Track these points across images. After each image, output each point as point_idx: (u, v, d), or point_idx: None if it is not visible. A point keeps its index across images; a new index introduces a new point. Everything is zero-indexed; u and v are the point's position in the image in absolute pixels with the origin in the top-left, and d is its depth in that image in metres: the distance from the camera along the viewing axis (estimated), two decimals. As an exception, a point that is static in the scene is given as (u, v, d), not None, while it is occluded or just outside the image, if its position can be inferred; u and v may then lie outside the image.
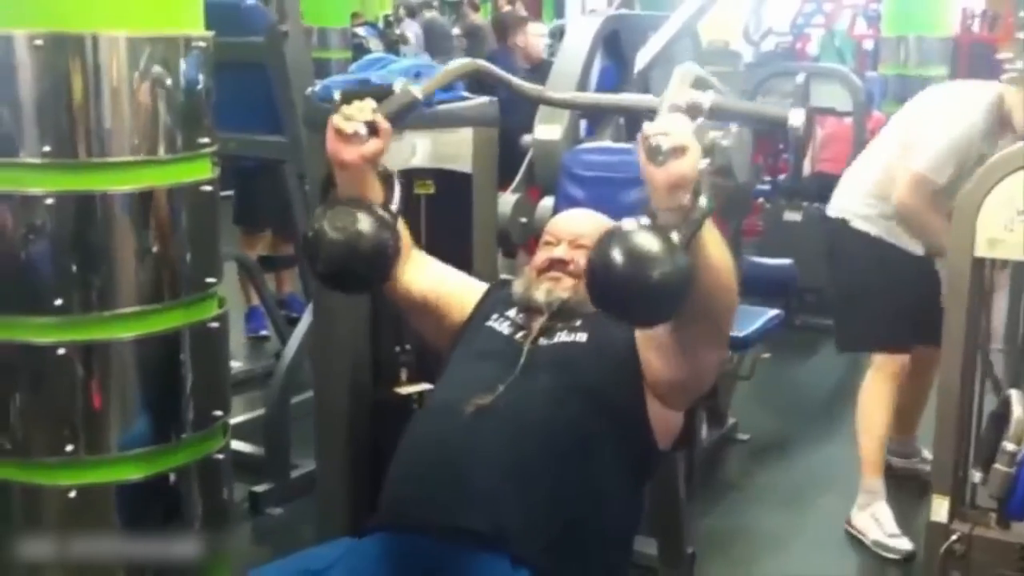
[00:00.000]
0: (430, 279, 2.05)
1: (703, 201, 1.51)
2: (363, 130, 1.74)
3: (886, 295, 3.11)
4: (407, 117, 1.88)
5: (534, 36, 6.01)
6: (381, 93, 1.87)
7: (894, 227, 3.11)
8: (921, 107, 3.18)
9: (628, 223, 1.54)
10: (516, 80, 2.21)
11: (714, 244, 1.63)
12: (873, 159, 3.25)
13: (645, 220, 1.53)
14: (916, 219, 3.02)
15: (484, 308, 2.06)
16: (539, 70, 5.47)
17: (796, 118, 1.61)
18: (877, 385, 3.18)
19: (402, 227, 1.92)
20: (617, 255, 1.49)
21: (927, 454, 3.35)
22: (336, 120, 1.75)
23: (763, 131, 5.92)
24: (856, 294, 3.25)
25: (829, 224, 3.30)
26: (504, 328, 1.99)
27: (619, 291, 1.53)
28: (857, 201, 3.19)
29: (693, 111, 1.63)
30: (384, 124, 1.77)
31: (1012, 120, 2.93)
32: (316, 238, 1.76)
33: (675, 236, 1.50)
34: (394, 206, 1.85)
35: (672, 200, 1.52)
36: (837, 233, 3.25)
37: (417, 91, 1.86)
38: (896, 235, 3.12)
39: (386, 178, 1.87)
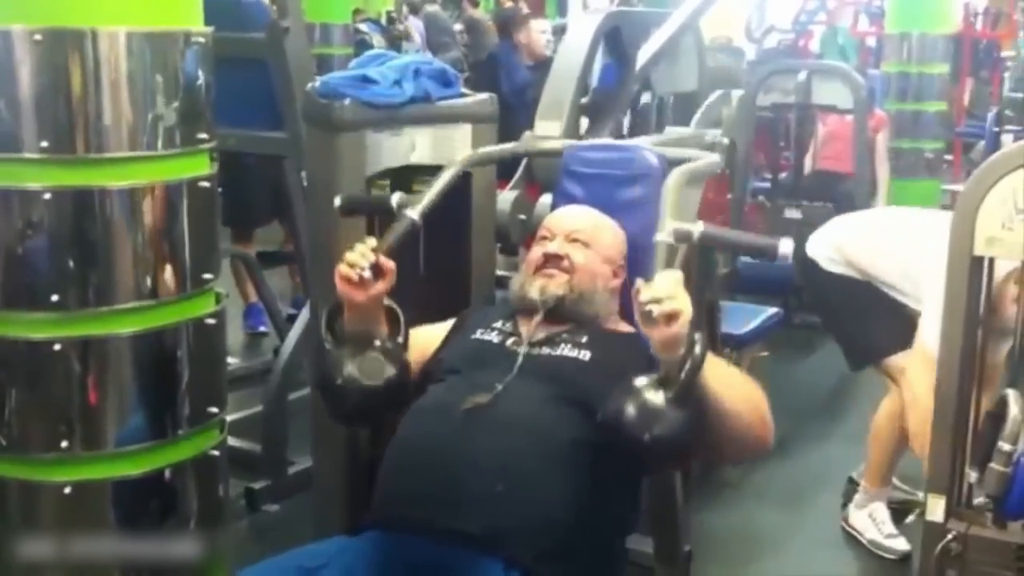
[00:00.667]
0: (414, 353, 2.01)
1: (697, 352, 1.60)
2: (368, 275, 1.81)
3: (869, 309, 3.16)
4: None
5: (537, 33, 5.97)
6: (378, 205, 1.99)
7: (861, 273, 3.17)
8: (923, 246, 2.98)
9: (636, 381, 1.66)
10: (505, 147, 2.39)
11: (725, 386, 1.69)
12: (856, 231, 3.29)
13: (651, 377, 1.65)
14: (922, 414, 2.74)
15: (466, 327, 2.07)
16: (543, 67, 5.40)
17: (786, 247, 1.66)
18: (895, 405, 3.16)
19: None
20: (619, 414, 1.64)
21: (897, 481, 3.34)
22: (342, 269, 1.82)
23: (764, 127, 5.98)
24: (842, 316, 3.30)
25: (801, 257, 3.34)
26: (493, 337, 1.99)
27: (627, 445, 1.67)
28: (830, 253, 3.26)
29: (682, 239, 1.74)
30: (387, 264, 1.84)
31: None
32: (346, 385, 1.81)
33: (667, 394, 1.61)
34: (400, 338, 1.91)
35: (669, 354, 1.63)
36: (809, 269, 3.32)
37: (414, 214, 1.95)
38: (866, 276, 3.16)
39: (390, 311, 1.92)
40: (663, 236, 1.69)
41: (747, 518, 3.36)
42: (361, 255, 1.81)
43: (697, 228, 1.71)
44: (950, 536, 2.07)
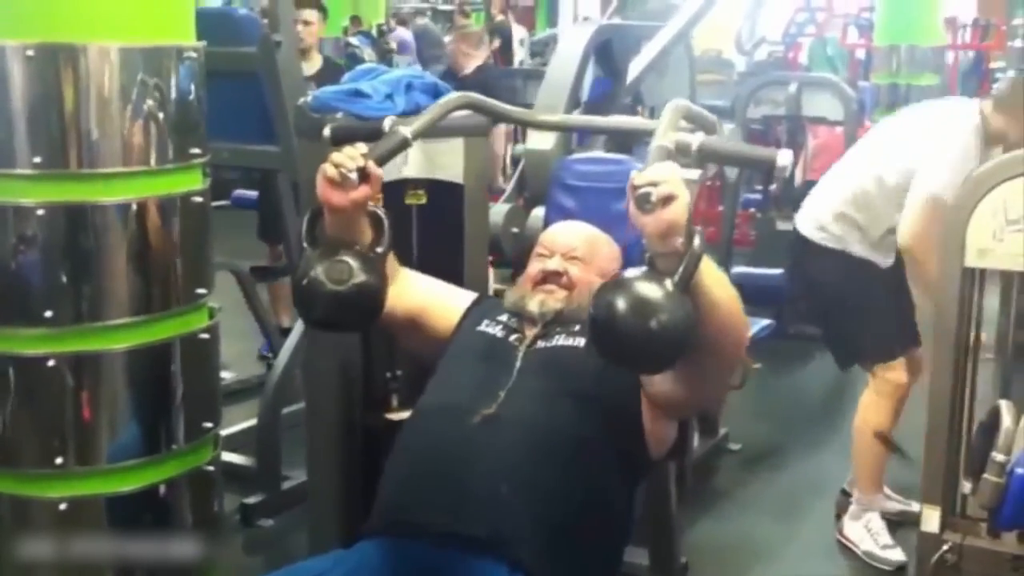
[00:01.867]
0: (414, 297, 2.06)
1: (696, 242, 1.53)
2: (353, 177, 1.76)
3: (864, 308, 3.12)
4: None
5: (451, 45, 5.31)
6: (371, 130, 1.89)
7: (861, 242, 3.10)
8: (905, 132, 3.10)
9: (627, 272, 1.57)
10: (504, 107, 2.29)
11: (715, 283, 1.65)
12: (845, 176, 3.19)
13: (643, 269, 1.56)
14: (925, 261, 2.81)
15: (474, 315, 2.07)
16: (466, 85, 4.96)
17: (783, 159, 1.63)
18: (875, 403, 3.15)
19: (390, 259, 1.94)
20: (614, 307, 1.53)
21: (891, 492, 3.34)
22: (327, 168, 1.77)
23: (754, 139, 5.99)
24: (835, 312, 3.25)
25: (795, 237, 3.26)
26: (497, 331, 2.00)
27: (619, 342, 1.56)
28: (825, 218, 3.14)
29: (682, 151, 1.65)
30: (374, 170, 1.79)
31: (1001, 134, 2.92)
32: (310, 288, 1.77)
33: (669, 283, 1.52)
34: (381, 247, 1.86)
35: (665, 246, 1.55)
36: (803, 248, 3.22)
37: (407, 131, 1.88)
38: (863, 250, 3.10)
39: (375, 218, 1.88)
40: (663, 142, 1.64)
41: (742, 529, 3.36)
42: (349, 157, 1.76)
43: (696, 139, 1.67)
44: (945, 547, 2.08)
